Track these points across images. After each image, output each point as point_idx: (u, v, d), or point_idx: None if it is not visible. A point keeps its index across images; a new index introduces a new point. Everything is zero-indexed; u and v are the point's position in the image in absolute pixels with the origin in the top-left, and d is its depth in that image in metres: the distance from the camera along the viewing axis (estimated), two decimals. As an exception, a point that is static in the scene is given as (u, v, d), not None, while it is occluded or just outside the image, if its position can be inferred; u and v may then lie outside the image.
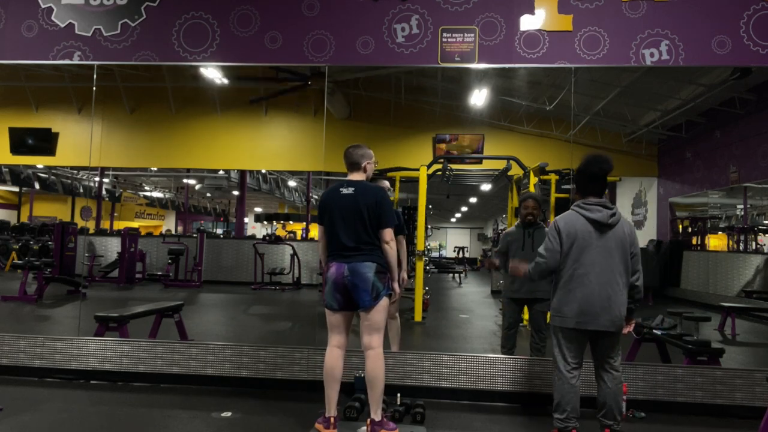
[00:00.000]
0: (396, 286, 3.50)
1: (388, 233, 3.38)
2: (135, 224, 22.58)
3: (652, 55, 4.23)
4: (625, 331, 3.26)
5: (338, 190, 3.45)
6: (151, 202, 25.70)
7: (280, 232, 23.42)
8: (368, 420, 3.32)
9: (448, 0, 4.37)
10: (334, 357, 3.42)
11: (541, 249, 3.30)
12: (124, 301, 9.59)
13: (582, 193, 3.30)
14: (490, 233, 30.34)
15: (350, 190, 3.42)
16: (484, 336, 7.08)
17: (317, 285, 11.79)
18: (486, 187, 16.40)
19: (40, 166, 16.60)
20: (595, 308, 3.10)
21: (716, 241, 12.98)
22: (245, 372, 4.33)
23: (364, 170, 3.53)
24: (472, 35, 4.34)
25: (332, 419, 3.33)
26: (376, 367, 3.33)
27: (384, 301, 3.38)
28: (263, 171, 20.51)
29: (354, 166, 3.53)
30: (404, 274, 4.98)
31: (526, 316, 5.48)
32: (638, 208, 14.33)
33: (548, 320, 3.42)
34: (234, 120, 11.95)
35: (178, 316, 5.45)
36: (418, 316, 7.81)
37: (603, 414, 3.20)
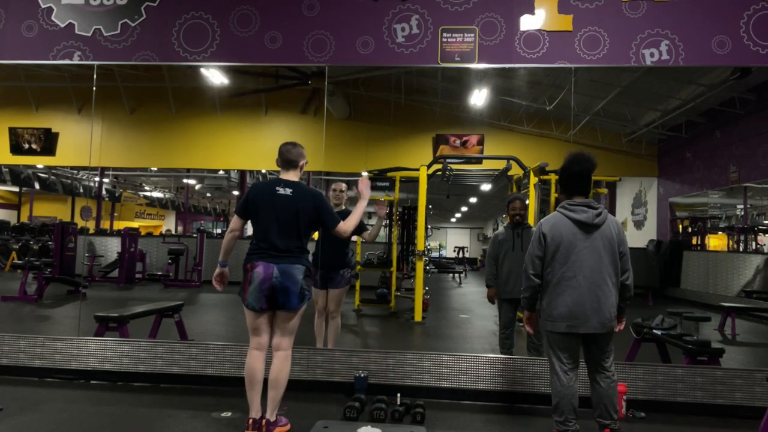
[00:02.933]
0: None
1: (343, 230, 3.38)
2: (135, 224, 22.57)
3: (652, 55, 4.23)
4: (617, 329, 3.24)
5: (274, 188, 3.34)
6: (151, 202, 25.68)
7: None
8: (263, 420, 3.25)
9: (448, 0, 4.37)
10: (255, 359, 3.33)
11: (525, 262, 3.27)
12: (124, 301, 9.59)
13: (567, 193, 3.27)
14: (490, 233, 30.35)
15: (288, 191, 3.32)
16: (484, 336, 7.08)
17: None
18: (486, 187, 16.42)
19: (40, 166, 16.60)
20: (585, 311, 3.08)
21: (716, 241, 12.99)
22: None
23: (301, 169, 3.47)
24: (472, 35, 4.34)
25: (251, 421, 3.27)
26: (283, 368, 3.30)
27: (303, 307, 3.37)
28: (263, 171, 20.51)
29: (290, 164, 3.43)
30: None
31: (521, 315, 5.50)
32: (638, 208, 14.33)
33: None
34: (234, 120, 11.95)
35: (178, 316, 5.45)
36: (418, 316, 7.80)
37: (599, 414, 3.20)
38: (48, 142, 11.60)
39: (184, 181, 22.39)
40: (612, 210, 14.44)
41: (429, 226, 13.37)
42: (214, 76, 8.89)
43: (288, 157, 3.42)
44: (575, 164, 3.22)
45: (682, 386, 4.02)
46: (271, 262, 3.26)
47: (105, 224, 20.78)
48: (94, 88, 5.29)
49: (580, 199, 3.21)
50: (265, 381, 3.30)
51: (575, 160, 3.22)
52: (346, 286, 4.88)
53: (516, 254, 4.58)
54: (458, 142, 10.62)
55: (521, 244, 4.59)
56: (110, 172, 20.14)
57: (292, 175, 3.43)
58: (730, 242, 12.58)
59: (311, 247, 3.73)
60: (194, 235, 14.11)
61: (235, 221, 3.43)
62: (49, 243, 12.93)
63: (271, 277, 3.24)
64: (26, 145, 11.65)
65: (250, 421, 3.26)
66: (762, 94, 9.70)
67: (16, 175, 16.57)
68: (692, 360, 4.15)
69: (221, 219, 29.28)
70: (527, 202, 4.88)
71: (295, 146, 3.45)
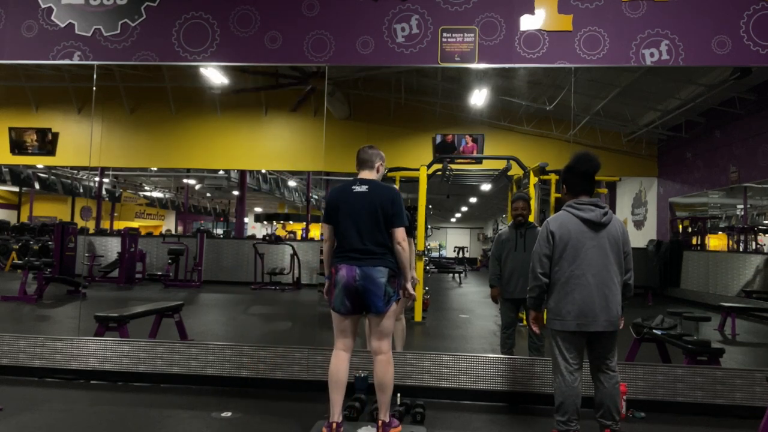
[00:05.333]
0: (409, 286, 3.41)
1: (401, 233, 3.28)
2: (135, 224, 22.56)
3: (652, 55, 4.23)
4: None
5: (350, 187, 3.33)
6: (151, 202, 25.69)
7: (280, 232, 23.43)
8: (380, 422, 3.27)
9: (448, 0, 4.37)
10: (340, 360, 3.32)
11: (533, 261, 3.25)
12: (124, 301, 9.59)
13: (572, 192, 3.28)
14: (490, 233, 30.34)
15: (364, 188, 3.31)
16: (484, 336, 7.08)
17: (317, 285, 11.79)
18: (486, 187, 16.39)
19: (40, 166, 16.60)
20: (595, 309, 3.09)
21: (716, 241, 12.99)
22: (245, 372, 4.33)
23: (377, 170, 3.45)
24: (472, 35, 4.34)
25: (335, 425, 3.24)
26: (386, 371, 3.28)
27: (394, 306, 3.32)
28: (263, 171, 20.51)
29: (366, 164, 3.43)
30: (414, 274, 4.94)
31: (523, 315, 5.50)
32: (638, 208, 14.33)
33: (545, 321, 3.41)
34: (234, 120, 11.95)
35: (178, 316, 5.45)
36: (418, 316, 7.81)
37: (601, 414, 3.20)
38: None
39: (184, 181, 22.39)
40: (612, 210, 14.43)
41: (429, 226, 13.36)
42: (214, 76, 8.88)
43: (362, 156, 3.45)
44: (582, 164, 3.24)
45: (682, 386, 4.02)
46: (353, 265, 3.24)
47: (105, 224, 20.78)
48: (94, 88, 5.28)
49: (587, 198, 3.22)
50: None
51: (582, 160, 3.24)
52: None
53: (519, 254, 4.57)
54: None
55: (524, 244, 4.58)
56: (110, 172, 20.14)
57: (368, 174, 3.42)
58: (730, 242, 12.58)
59: None
60: (194, 235, 14.11)
61: (325, 230, 3.43)
62: (49, 243, 12.93)
63: (354, 279, 3.23)
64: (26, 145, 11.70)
65: (334, 425, 3.23)
66: (762, 94, 9.70)
67: (16, 175, 16.58)
68: (692, 360, 4.15)
69: (221, 219, 29.28)
70: (531, 201, 4.86)
71: (371, 148, 3.48)
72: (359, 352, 4.14)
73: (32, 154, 11.76)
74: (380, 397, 3.29)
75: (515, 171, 8.65)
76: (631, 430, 3.65)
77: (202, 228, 21.68)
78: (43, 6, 4.63)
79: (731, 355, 5.98)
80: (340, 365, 3.31)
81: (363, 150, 3.46)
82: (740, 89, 9.86)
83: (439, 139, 10.32)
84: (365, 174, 3.43)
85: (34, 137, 11.67)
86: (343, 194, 3.34)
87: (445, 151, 9.88)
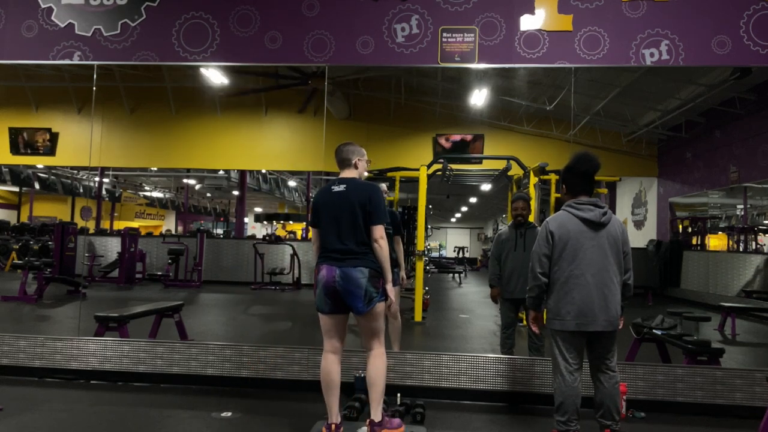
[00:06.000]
0: (389, 287, 3.32)
1: (378, 230, 3.23)
2: (135, 224, 22.55)
3: (652, 55, 4.23)
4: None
5: (330, 188, 3.34)
6: (151, 202, 25.69)
7: (280, 232, 23.43)
8: (368, 420, 3.27)
9: (448, 0, 4.37)
10: (328, 362, 3.31)
11: (532, 261, 3.25)
12: (124, 301, 9.58)
13: (572, 192, 3.28)
14: (490, 233, 30.35)
15: (342, 188, 3.29)
16: (484, 336, 7.08)
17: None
18: (486, 187, 16.40)
19: (40, 166, 16.59)
20: (594, 309, 3.09)
21: (716, 241, 12.99)
22: (245, 372, 4.33)
23: (356, 167, 3.41)
24: (472, 35, 4.34)
25: (334, 426, 3.24)
26: (376, 366, 3.27)
27: (379, 306, 3.27)
28: (263, 171, 20.51)
29: (345, 162, 3.41)
30: (403, 274, 4.95)
31: (523, 315, 5.50)
32: (638, 208, 14.34)
33: (544, 321, 3.41)
34: (234, 120, 11.96)
35: (178, 316, 5.45)
36: (418, 316, 7.81)
37: (601, 414, 3.20)
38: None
39: (184, 181, 22.39)
40: (612, 210, 14.44)
41: (429, 226, 13.37)
42: (214, 76, 8.89)
43: (339, 156, 3.42)
44: (581, 164, 3.24)
45: (682, 386, 4.02)
46: (333, 265, 3.22)
47: (105, 224, 20.77)
48: (94, 88, 5.29)
49: (586, 198, 3.22)
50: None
51: (581, 159, 3.24)
52: (398, 285, 4.79)
53: (518, 254, 4.57)
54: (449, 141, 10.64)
55: (524, 243, 4.58)
56: (110, 172, 20.13)
57: (348, 173, 3.40)
58: (730, 242, 12.58)
59: None
60: (194, 235, 14.10)
61: (312, 234, 3.42)
62: (49, 243, 12.92)
63: (334, 280, 3.21)
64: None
65: (333, 426, 3.23)
66: (762, 94, 9.70)
67: (16, 175, 16.58)
68: (692, 360, 4.15)
69: (221, 219, 29.28)
70: (531, 201, 4.86)
71: (347, 145, 3.43)
72: (359, 352, 4.15)
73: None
74: (370, 394, 3.26)
75: (515, 171, 8.65)
76: (631, 430, 3.65)
77: (201, 228, 21.68)
78: (43, 6, 4.63)
79: (731, 355, 5.98)
80: (329, 367, 3.30)
81: (339, 149, 3.43)
82: (740, 89, 9.85)
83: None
84: (345, 173, 3.41)
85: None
86: (324, 196, 3.34)
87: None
